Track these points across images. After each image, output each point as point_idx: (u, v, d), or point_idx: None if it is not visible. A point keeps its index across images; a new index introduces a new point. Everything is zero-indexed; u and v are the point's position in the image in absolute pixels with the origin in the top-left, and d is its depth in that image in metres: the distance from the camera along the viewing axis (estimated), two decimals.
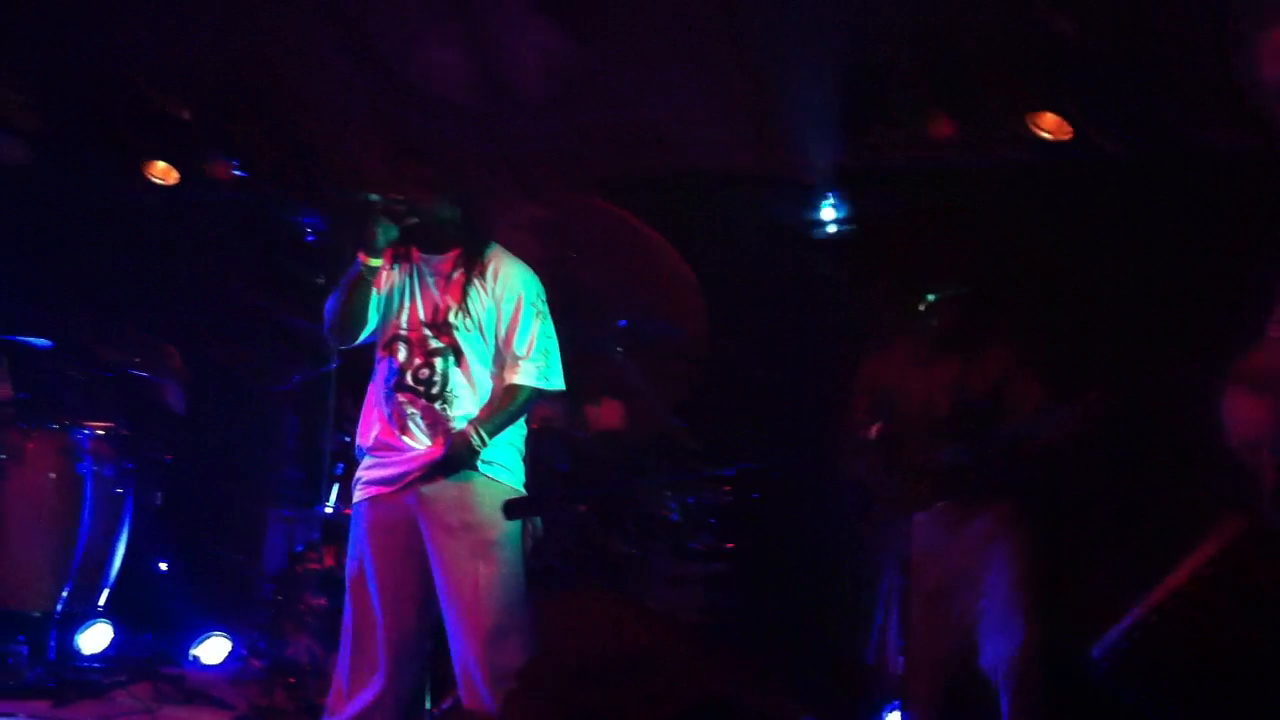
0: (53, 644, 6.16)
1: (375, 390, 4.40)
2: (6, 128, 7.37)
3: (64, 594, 6.10)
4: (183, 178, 7.15)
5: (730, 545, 4.10)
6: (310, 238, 6.50)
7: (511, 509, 4.19)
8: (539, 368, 4.30)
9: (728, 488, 4.19)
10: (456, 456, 4.20)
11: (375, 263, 4.26)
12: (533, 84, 6.34)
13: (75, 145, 7.36)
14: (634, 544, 5.45)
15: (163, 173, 7.11)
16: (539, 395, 4.36)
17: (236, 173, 7.15)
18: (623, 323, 5.43)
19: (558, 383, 4.37)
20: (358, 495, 4.39)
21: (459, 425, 4.24)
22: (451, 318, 4.29)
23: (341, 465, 5.62)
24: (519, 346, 4.29)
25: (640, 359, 5.52)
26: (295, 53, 6.18)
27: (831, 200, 6.18)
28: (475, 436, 4.21)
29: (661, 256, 6.16)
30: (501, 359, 4.32)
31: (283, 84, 6.39)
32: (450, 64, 6.03)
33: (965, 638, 4.39)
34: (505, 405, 4.28)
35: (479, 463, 4.25)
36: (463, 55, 6.08)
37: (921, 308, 4.35)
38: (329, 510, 5.69)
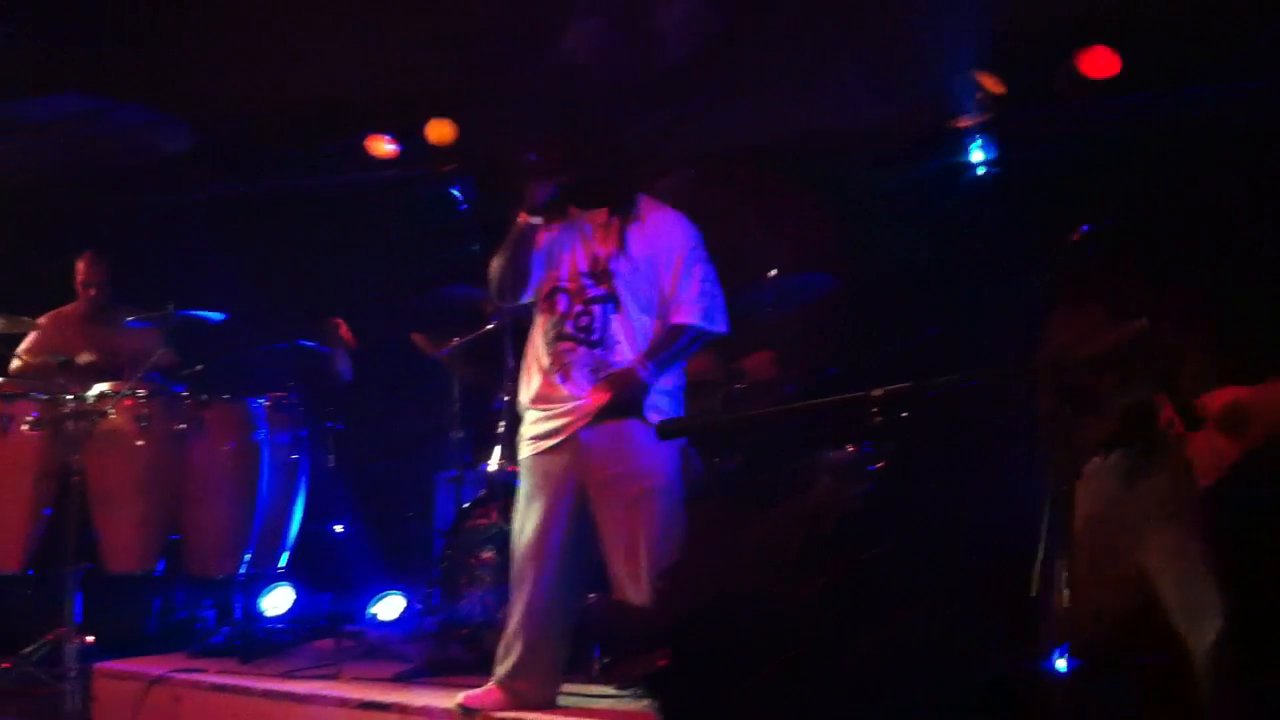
0: (238, 606, 6.46)
1: (535, 343, 4.52)
2: (176, 117, 7.72)
3: (246, 558, 6.37)
4: (347, 155, 7.40)
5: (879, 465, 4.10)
6: (463, 207, 6.65)
7: (666, 430, 4.25)
8: (704, 308, 4.37)
9: (875, 409, 4.19)
10: (624, 391, 4.28)
11: (536, 221, 4.38)
12: (675, 49, 6.42)
13: (240, 130, 7.67)
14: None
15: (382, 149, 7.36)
16: (702, 335, 4.41)
17: (392, 148, 7.39)
18: (772, 273, 5.46)
19: (721, 324, 4.43)
20: (523, 451, 4.51)
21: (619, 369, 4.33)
22: (610, 265, 4.39)
23: (504, 424, 5.76)
24: (682, 289, 4.36)
25: (791, 310, 5.55)
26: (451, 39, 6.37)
27: (980, 143, 6.12)
28: (641, 369, 4.28)
29: (804, 212, 6.18)
30: (664, 303, 4.39)
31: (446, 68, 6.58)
32: (596, 34, 6.14)
33: (1137, 593, 4.27)
34: (670, 343, 4.35)
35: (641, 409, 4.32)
36: (608, 25, 6.18)
37: (1075, 240, 4.29)
38: (493, 468, 5.84)
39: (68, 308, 6.87)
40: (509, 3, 6.54)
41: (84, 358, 6.48)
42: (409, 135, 7.29)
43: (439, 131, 7.18)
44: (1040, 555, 4.34)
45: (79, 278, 6.81)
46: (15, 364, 6.62)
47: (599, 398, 4.31)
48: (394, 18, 6.62)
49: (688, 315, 4.35)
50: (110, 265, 6.83)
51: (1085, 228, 4.28)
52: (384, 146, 7.35)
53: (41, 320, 6.76)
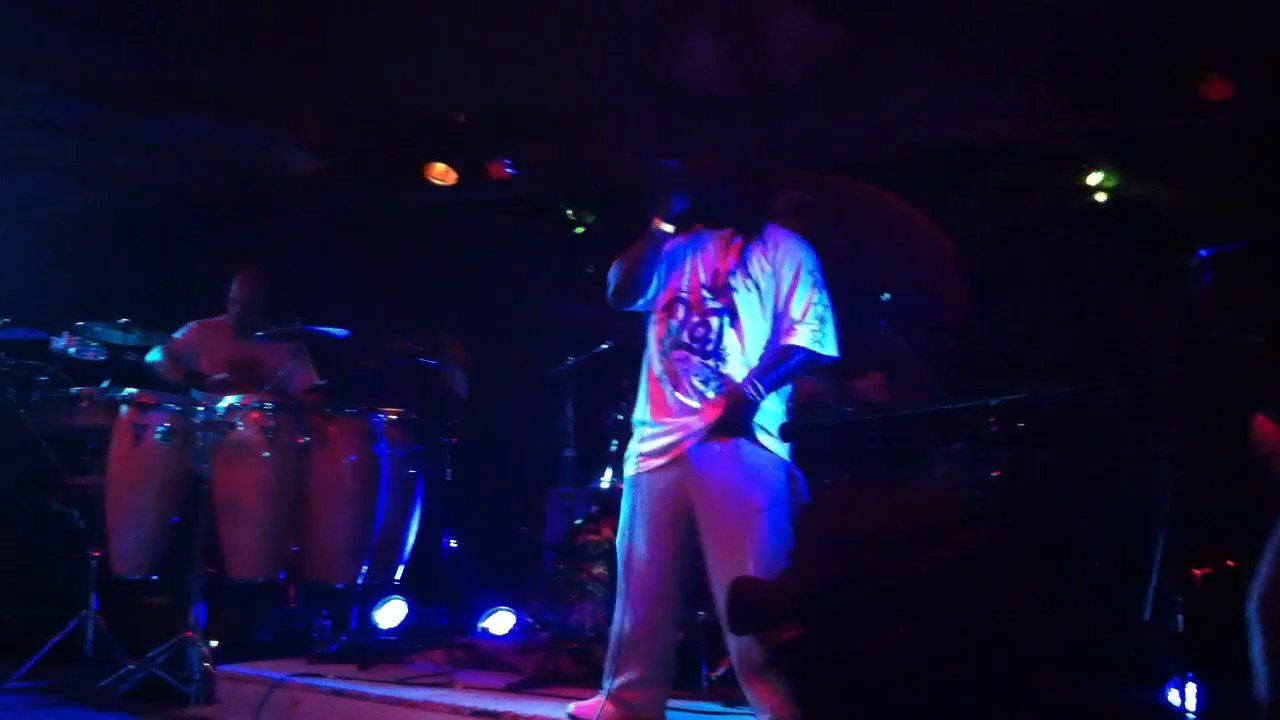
0: (354, 616, 6.59)
1: (650, 354, 4.58)
2: (299, 142, 7.96)
3: (364, 569, 6.51)
4: (460, 178, 7.55)
5: (995, 474, 4.09)
6: (580, 230, 6.75)
7: (788, 432, 4.29)
8: (814, 331, 4.40)
9: (993, 418, 4.19)
10: (733, 409, 4.33)
11: (668, 228, 4.44)
12: (795, 70, 6.48)
13: (360, 154, 7.88)
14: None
15: (441, 174, 7.53)
16: (813, 359, 4.45)
17: (510, 171, 7.53)
18: (886, 296, 5.47)
19: (831, 349, 4.45)
20: (630, 469, 4.56)
21: (729, 382, 4.37)
22: (730, 280, 4.44)
23: (615, 442, 5.84)
24: (796, 310, 4.40)
25: (904, 332, 5.55)
26: (578, 66, 6.49)
27: (1099, 166, 6.09)
28: (750, 388, 4.33)
29: (919, 231, 6.19)
30: (778, 323, 4.43)
31: (563, 93, 6.70)
32: (718, 57, 6.22)
33: None
34: (779, 363, 4.39)
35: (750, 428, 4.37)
36: (730, 47, 6.26)
37: (1193, 265, 4.27)
38: (605, 485, 5.92)
39: (216, 320, 7.09)
40: (633, 21, 6.64)
41: (218, 377, 6.69)
42: (524, 157, 7.42)
43: (541, 154, 7.31)
44: (1154, 580, 4.32)
45: (232, 292, 7.03)
46: (157, 355, 6.84)
47: (710, 413, 4.36)
48: (514, 36, 6.76)
49: (799, 338, 4.39)
50: (264, 284, 7.03)
51: (1203, 253, 4.27)
52: (503, 169, 7.50)
53: (193, 324, 6.99)
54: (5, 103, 7.08)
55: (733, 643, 4.34)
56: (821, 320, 4.43)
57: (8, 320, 6.23)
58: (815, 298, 4.43)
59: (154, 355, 6.83)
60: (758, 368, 4.39)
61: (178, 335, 6.92)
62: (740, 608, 3.23)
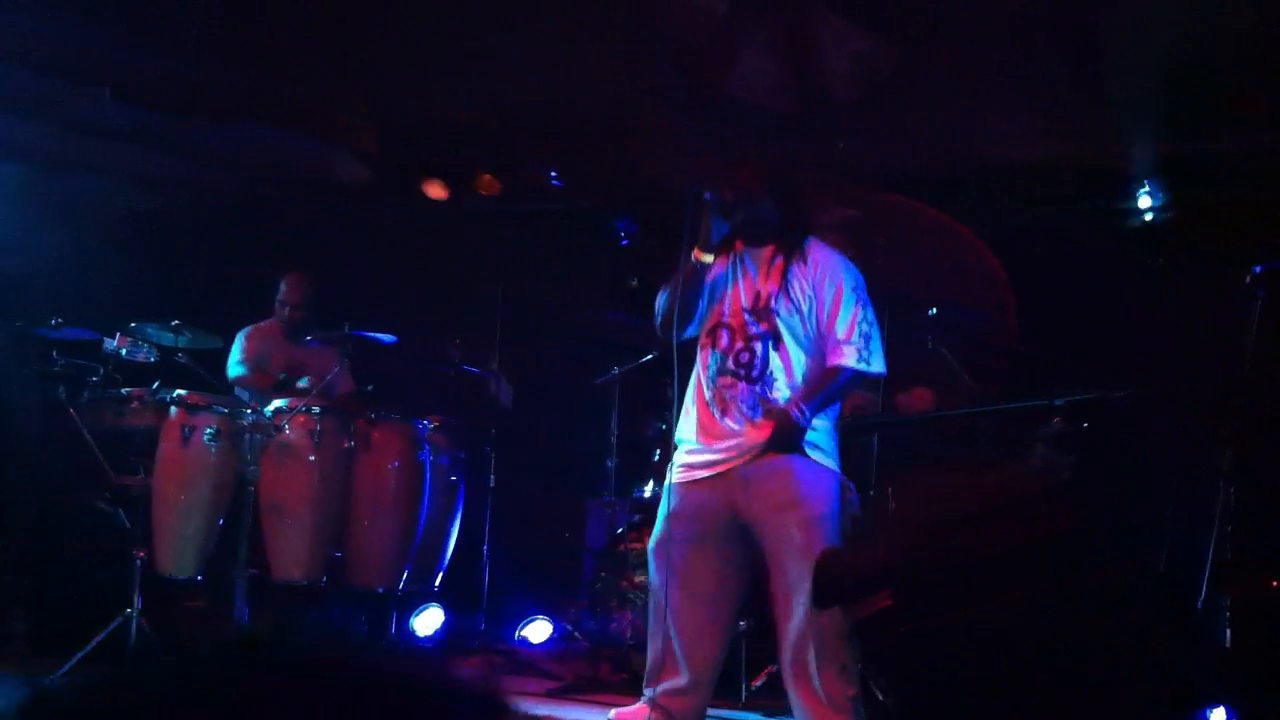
0: (393, 622, 6.63)
1: (698, 378, 4.59)
2: (350, 149, 8.04)
3: (405, 574, 6.55)
4: (504, 189, 7.61)
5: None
6: (625, 242, 6.78)
7: (851, 429, 4.30)
8: (859, 350, 4.39)
9: (1057, 419, 4.19)
10: (782, 432, 4.34)
11: (709, 259, 4.44)
12: (844, 89, 6.50)
13: (408, 163, 7.95)
14: None
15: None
16: (859, 378, 4.46)
17: (554, 183, 7.59)
18: (932, 311, 5.48)
19: (879, 366, 4.45)
20: (672, 476, 4.55)
21: (778, 405, 4.39)
22: (772, 303, 4.44)
23: (659, 452, 5.86)
24: (840, 329, 4.40)
25: (950, 347, 5.56)
26: (621, 78, 6.53)
27: (1147, 188, 6.09)
28: (796, 411, 4.34)
29: (968, 249, 6.20)
30: (822, 343, 4.43)
31: (606, 106, 6.75)
32: (765, 73, 6.26)
33: None
34: (826, 384, 4.40)
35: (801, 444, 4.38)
36: (776, 64, 6.30)
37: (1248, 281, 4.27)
38: (647, 495, 5.94)
39: (264, 324, 7.16)
40: (678, 37, 6.68)
41: (282, 377, 6.77)
42: (575, 167, 7.48)
43: (586, 166, 7.36)
44: (1203, 596, 4.30)
45: (282, 294, 7.08)
46: (241, 370, 6.91)
47: (757, 435, 4.37)
48: (564, 50, 6.81)
49: (845, 357, 4.39)
50: (313, 286, 7.08)
51: (1257, 269, 4.27)
52: (547, 181, 7.55)
53: (247, 332, 7.06)
54: (60, 106, 7.18)
55: (795, 631, 4.32)
56: (867, 338, 4.42)
57: (60, 321, 6.30)
58: (859, 315, 4.42)
59: (236, 371, 6.92)
60: (804, 389, 4.40)
61: (241, 347, 7.00)
62: (829, 579, 3.22)
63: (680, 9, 6.64)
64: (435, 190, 7.63)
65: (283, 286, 7.09)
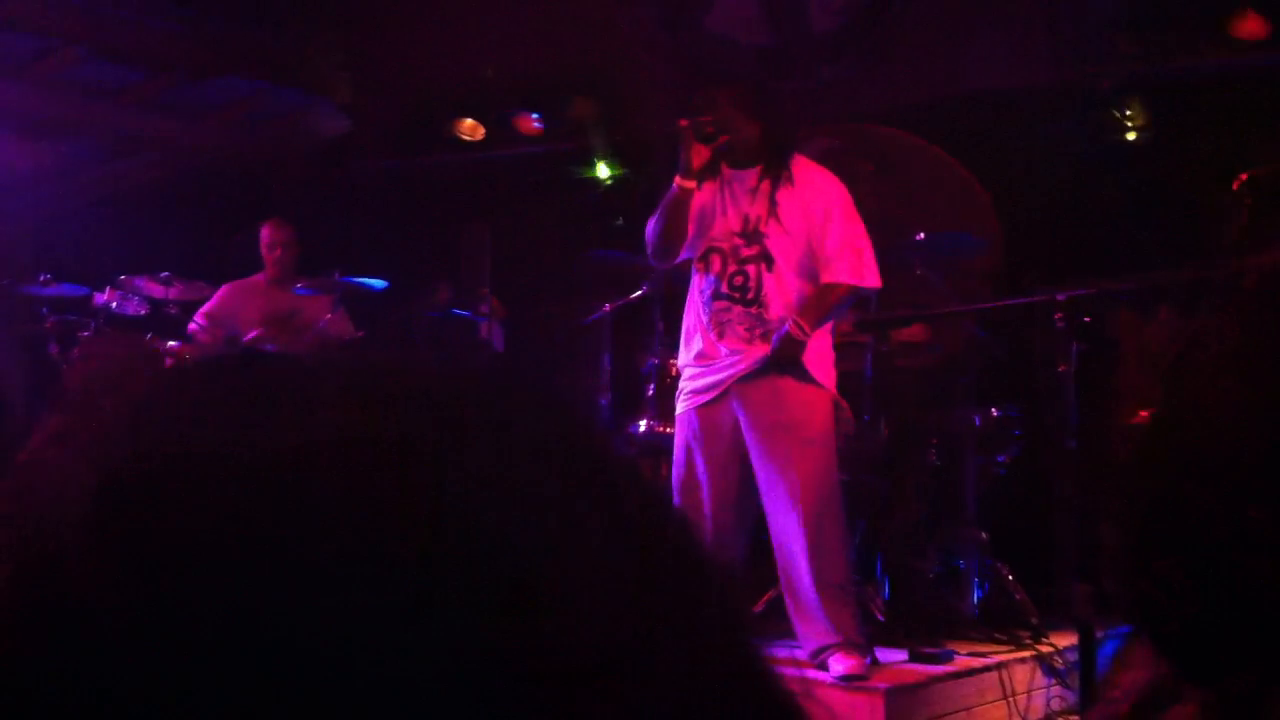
0: None
1: (692, 303, 4.64)
2: (330, 101, 8.03)
3: None
4: (488, 134, 7.61)
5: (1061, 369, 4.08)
6: (608, 181, 6.78)
7: (863, 324, 4.32)
8: (853, 264, 4.43)
9: (1059, 315, 4.18)
10: (782, 349, 4.38)
11: (691, 184, 4.47)
12: (822, 19, 6.51)
13: (388, 113, 7.95)
14: (940, 456, 5.56)
15: (470, 129, 7.58)
16: (855, 291, 4.50)
17: (537, 125, 7.59)
18: (919, 237, 5.50)
19: (873, 279, 4.49)
20: (681, 406, 4.62)
21: (774, 327, 4.43)
22: (761, 226, 4.47)
23: (652, 387, 5.88)
24: (831, 246, 4.43)
25: (939, 271, 5.59)
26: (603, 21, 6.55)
27: (1130, 110, 6.12)
28: (795, 328, 4.38)
29: (953, 173, 6.23)
30: (815, 260, 4.47)
31: (587, 47, 6.75)
32: (746, 8, 6.27)
33: None
34: (822, 300, 4.44)
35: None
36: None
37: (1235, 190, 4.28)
38: (641, 429, 5.96)
39: (250, 279, 7.13)
40: None
41: (252, 336, 6.74)
42: (554, 111, 7.48)
43: (581, 108, 7.36)
44: None
45: (264, 242, 7.04)
46: (192, 326, 6.90)
47: (756, 353, 4.41)
48: None
49: (839, 273, 4.42)
50: (294, 229, 7.06)
51: (1245, 176, 4.29)
52: (530, 124, 7.55)
53: (224, 287, 7.02)
54: (44, 63, 7.15)
55: (789, 551, 4.37)
56: (859, 252, 4.45)
57: (50, 276, 6.31)
58: (849, 230, 4.46)
59: (191, 326, 6.89)
60: (802, 307, 4.43)
61: (211, 301, 6.96)
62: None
63: None
64: (470, 130, 7.60)
65: (264, 233, 7.05)
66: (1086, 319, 3.30)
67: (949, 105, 6.52)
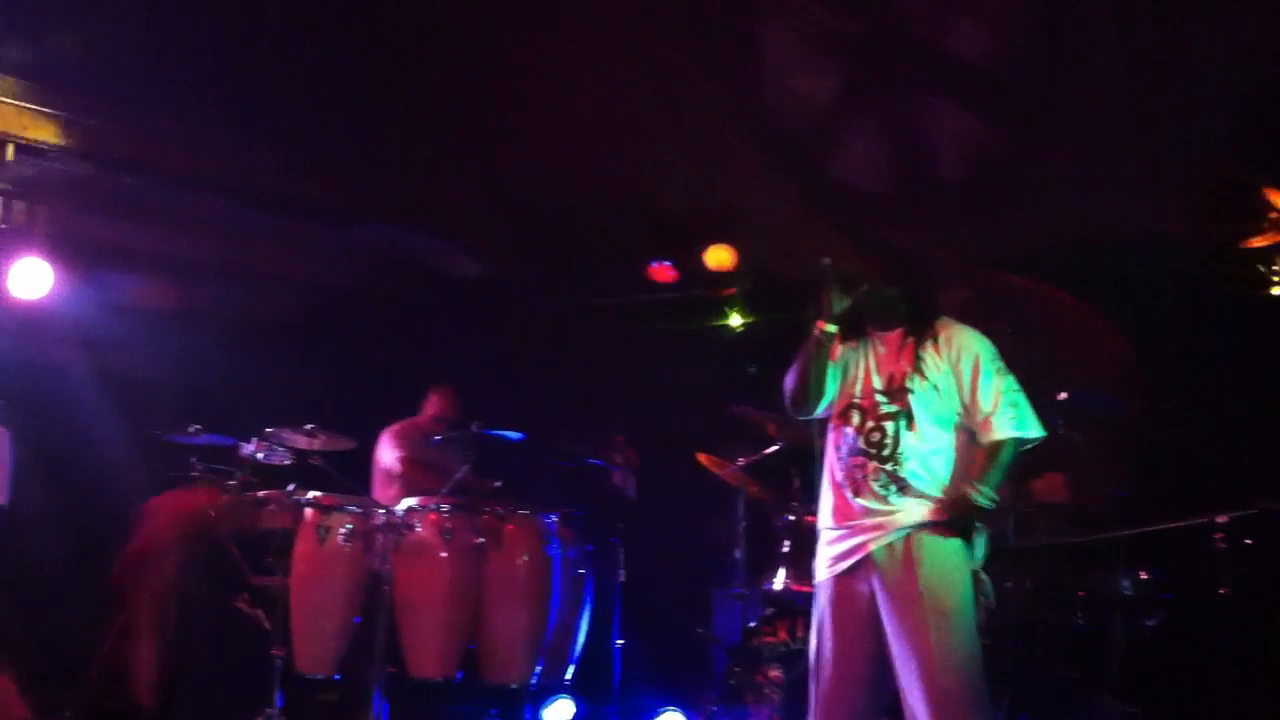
0: (527, 715, 6.66)
1: (829, 461, 4.57)
2: (461, 245, 8.22)
3: (538, 668, 6.59)
4: (627, 280, 7.72)
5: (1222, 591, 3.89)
6: (743, 331, 6.81)
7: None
8: (1013, 418, 4.35)
9: (1219, 535, 4.00)
10: (962, 515, 4.30)
11: (831, 329, 4.42)
12: (953, 170, 6.51)
13: (520, 259, 8.10)
14: (1086, 619, 5.42)
15: (717, 258, 7.69)
16: (1021, 445, 4.39)
17: (672, 273, 7.67)
18: (1062, 395, 5.42)
19: (1036, 429, 4.39)
20: (820, 573, 4.52)
21: (912, 483, 4.34)
22: (906, 383, 4.42)
23: (789, 543, 5.85)
24: (986, 402, 4.35)
25: (1082, 432, 5.49)
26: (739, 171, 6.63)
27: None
28: (977, 494, 4.28)
29: (1095, 328, 6.14)
30: (972, 421, 4.38)
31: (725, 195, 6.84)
32: (876, 159, 6.30)
33: None
34: (992, 460, 4.34)
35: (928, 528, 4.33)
36: (887, 150, 6.33)
37: None
38: (777, 587, 5.92)
39: (400, 425, 7.32)
40: (786, 132, 6.75)
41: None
42: (689, 260, 7.56)
43: (718, 257, 7.42)
44: None
45: (432, 409, 7.25)
46: (399, 469, 7.08)
47: (936, 517, 4.31)
48: (673, 142, 6.92)
49: (1003, 429, 4.34)
50: (459, 400, 7.24)
51: None
52: (665, 271, 7.64)
53: (395, 429, 7.24)
54: (190, 212, 7.44)
55: None
56: (1015, 405, 4.37)
57: (199, 427, 6.49)
58: (1002, 384, 4.38)
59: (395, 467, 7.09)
60: (974, 471, 4.32)
61: (391, 451, 7.15)
62: None
63: (788, 95, 6.74)
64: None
65: (434, 399, 7.25)
66: (1248, 541, 3.20)
67: (1089, 253, 6.44)
